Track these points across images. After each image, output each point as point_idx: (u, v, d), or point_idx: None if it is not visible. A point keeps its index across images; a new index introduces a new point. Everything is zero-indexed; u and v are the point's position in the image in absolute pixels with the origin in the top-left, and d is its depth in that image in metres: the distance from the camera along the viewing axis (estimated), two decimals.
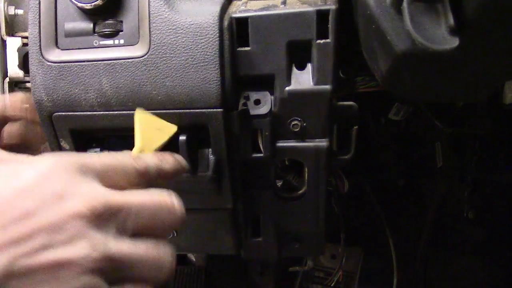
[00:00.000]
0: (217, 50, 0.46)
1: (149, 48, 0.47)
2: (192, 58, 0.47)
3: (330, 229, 0.60)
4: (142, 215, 0.34)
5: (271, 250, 0.60)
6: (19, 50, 0.56)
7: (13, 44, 0.56)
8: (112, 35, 0.48)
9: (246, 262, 1.13)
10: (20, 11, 0.57)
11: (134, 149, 0.42)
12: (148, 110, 0.47)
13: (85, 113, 0.50)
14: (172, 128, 0.47)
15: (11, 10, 0.57)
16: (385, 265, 1.04)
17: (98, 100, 0.49)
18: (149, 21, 0.47)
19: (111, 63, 0.48)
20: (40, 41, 0.49)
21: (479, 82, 0.45)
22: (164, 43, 0.47)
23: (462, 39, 0.36)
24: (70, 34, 0.49)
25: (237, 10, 0.48)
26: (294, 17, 0.47)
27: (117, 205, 0.32)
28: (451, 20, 0.36)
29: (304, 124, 0.50)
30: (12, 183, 0.30)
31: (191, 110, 0.48)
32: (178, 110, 0.48)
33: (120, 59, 0.48)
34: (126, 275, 0.33)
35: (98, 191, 0.33)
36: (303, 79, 0.49)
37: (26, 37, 0.54)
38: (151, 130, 0.45)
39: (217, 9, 0.47)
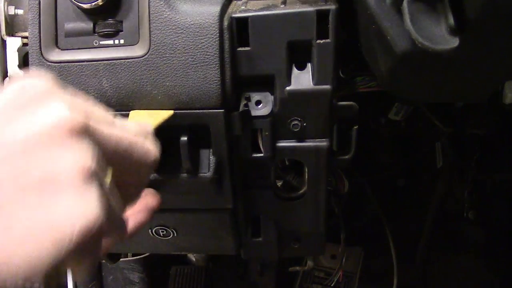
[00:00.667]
0: (217, 50, 0.46)
1: (149, 48, 0.47)
2: (192, 58, 0.47)
3: (330, 229, 0.60)
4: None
5: (271, 250, 0.60)
6: (19, 50, 0.56)
7: (13, 44, 0.56)
8: (112, 35, 0.48)
9: (246, 262, 1.13)
10: (20, 11, 0.57)
11: None
12: (148, 110, 0.47)
13: None
14: (166, 113, 0.46)
15: (11, 10, 0.57)
16: (385, 265, 1.04)
17: (98, 100, 0.49)
18: (149, 21, 0.47)
19: (111, 63, 0.48)
20: (40, 41, 0.49)
21: (479, 82, 0.45)
22: (164, 43, 0.47)
23: (462, 39, 0.36)
24: (70, 34, 0.49)
25: (237, 10, 0.48)
26: (294, 17, 0.47)
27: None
28: (451, 20, 0.36)
29: (304, 124, 0.50)
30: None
31: (192, 111, 0.48)
32: (178, 110, 0.48)
33: (120, 59, 0.48)
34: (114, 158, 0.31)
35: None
36: (303, 79, 0.49)
37: (26, 37, 0.54)
38: (142, 118, 0.45)
39: (217, 9, 0.47)
